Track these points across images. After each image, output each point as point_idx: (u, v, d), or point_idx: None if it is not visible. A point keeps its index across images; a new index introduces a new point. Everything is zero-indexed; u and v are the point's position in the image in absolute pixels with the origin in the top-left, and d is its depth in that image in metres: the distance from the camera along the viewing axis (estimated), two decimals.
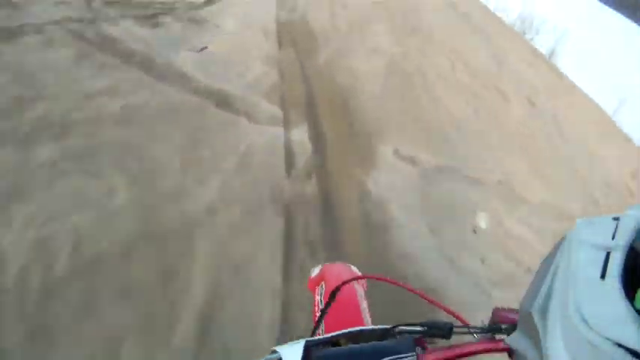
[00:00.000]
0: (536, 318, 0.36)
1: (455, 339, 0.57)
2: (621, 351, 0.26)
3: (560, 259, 0.37)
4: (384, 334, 0.59)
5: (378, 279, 0.79)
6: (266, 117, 3.18)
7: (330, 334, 0.58)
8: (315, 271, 1.10)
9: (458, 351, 0.52)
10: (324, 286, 0.97)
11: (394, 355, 0.51)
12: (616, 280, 0.30)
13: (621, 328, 0.27)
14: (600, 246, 0.34)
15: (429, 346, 0.56)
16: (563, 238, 0.39)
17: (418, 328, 0.57)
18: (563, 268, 0.36)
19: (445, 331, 0.56)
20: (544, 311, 0.35)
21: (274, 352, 0.55)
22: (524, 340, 0.39)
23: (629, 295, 0.29)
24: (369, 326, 0.61)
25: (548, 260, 0.40)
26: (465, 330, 0.56)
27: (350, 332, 0.59)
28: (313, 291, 1.02)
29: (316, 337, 0.57)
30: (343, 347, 0.56)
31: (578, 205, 3.42)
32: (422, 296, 0.70)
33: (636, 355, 0.25)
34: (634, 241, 0.32)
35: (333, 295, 0.79)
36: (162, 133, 2.66)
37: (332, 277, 0.99)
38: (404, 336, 0.57)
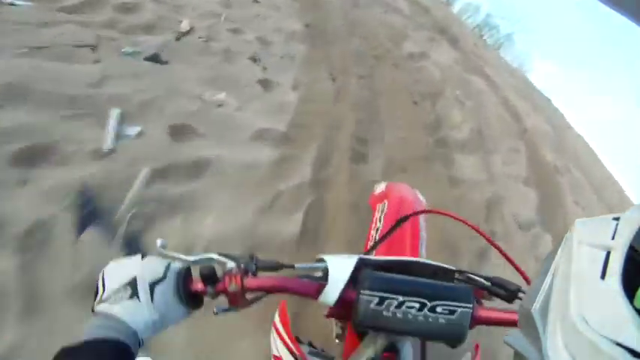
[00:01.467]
0: (537, 318, 0.36)
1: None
2: (621, 351, 0.26)
3: (560, 258, 0.37)
4: (437, 273, 0.55)
5: (445, 214, 0.75)
6: None
7: (384, 258, 0.55)
8: (379, 188, 1.07)
9: None
10: (386, 205, 0.95)
11: (452, 300, 0.48)
12: (616, 280, 0.30)
13: (621, 328, 0.27)
14: (600, 246, 0.34)
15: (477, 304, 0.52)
16: (563, 238, 0.39)
17: (482, 281, 0.53)
18: (563, 267, 0.36)
19: (510, 293, 0.51)
20: (544, 311, 0.36)
21: (321, 260, 0.52)
22: (525, 340, 0.39)
23: (630, 295, 0.29)
24: (428, 260, 0.56)
25: (549, 260, 0.40)
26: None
27: (405, 261, 0.55)
28: (374, 207, 1.00)
29: (370, 257, 0.54)
30: (399, 276, 0.51)
31: None
32: (487, 239, 0.66)
33: (636, 354, 0.25)
34: (634, 240, 0.32)
35: (399, 222, 0.74)
36: None
37: (395, 198, 0.97)
38: (462, 283, 0.53)
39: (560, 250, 0.38)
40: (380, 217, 0.92)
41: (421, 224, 0.92)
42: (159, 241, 0.52)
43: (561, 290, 0.34)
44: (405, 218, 0.74)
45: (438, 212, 0.77)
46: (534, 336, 0.36)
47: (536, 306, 0.37)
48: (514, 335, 0.44)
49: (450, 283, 0.51)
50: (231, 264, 0.51)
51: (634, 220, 0.33)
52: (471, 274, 0.54)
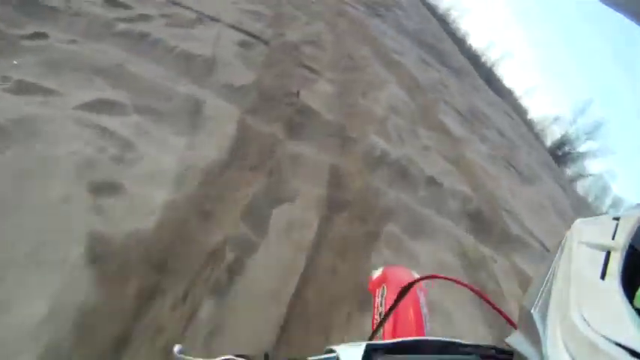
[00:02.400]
0: (537, 318, 0.36)
1: None
2: (621, 351, 0.26)
3: (561, 259, 0.37)
4: (444, 347, 0.59)
5: (445, 279, 0.81)
6: None
7: (391, 341, 0.58)
8: (376, 273, 1.11)
9: None
10: (385, 289, 0.99)
11: None
12: (616, 280, 0.30)
13: (621, 328, 0.27)
14: (600, 246, 0.34)
15: None
16: (563, 238, 0.39)
17: (485, 351, 0.57)
18: (563, 267, 0.36)
19: (510, 355, 0.55)
20: (544, 311, 0.35)
21: (331, 350, 0.56)
22: (525, 340, 0.39)
23: (629, 295, 0.28)
24: (432, 337, 0.61)
25: (549, 260, 0.40)
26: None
27: (411, 341, 0.59)
28: (374, 293, 1.04)
29: (378, 342, 0.57)
30: (406, 356, 0.56)
31: None
32: (484, 298, 0.71)
33: (636, 355, 0.25)
34: (634, 240, 0.32)
35: (399, 297, 0.79)
36: None
37: (394, 280, 1.00)
38: (469, 355, 0.57)
39: (560, 250, 0.38)
40: (381, 301, 0.97)
41: (422, 301, 0.96)
42: (176, 347, 0.57)
43: (561, 290, 0.34)
44: (406, 289, 0.78)
45: (439, 277, 0.83)
46: (534, 336, 0.36)
47: (536, 306, 0.37)
48: (514, 336, 0.44)
49: (455, 356, 0.56)
50: None
51: (634, 219, 0.32)
52: (474, 345, 0.59)
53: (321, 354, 0.56)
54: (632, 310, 0.27)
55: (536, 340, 0.35)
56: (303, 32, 4.38)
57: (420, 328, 0.89)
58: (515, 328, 0.57)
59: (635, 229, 0.32)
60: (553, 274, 0.37)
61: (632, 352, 0.25)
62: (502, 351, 0.56)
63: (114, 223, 1.71)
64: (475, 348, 0.58)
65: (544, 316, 0.35)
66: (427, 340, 0.59)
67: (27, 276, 1.42)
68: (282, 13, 4.64)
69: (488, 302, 0.70)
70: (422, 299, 0.96)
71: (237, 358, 0.56)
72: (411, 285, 0.77)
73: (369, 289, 1.08)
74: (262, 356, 0.57)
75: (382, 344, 0.57)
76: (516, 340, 0.41)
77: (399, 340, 0.58)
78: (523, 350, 0.38)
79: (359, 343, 0.55)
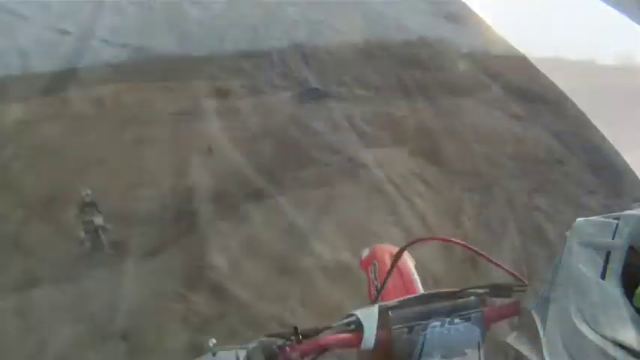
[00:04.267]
0: (536, 318, 0.36)
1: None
2: (621, 351, 0.26)
3: (561, 258, 0.37)
4: (449, 297, 0.65)
5: (438, 239, 0.97)
6: None
7: (402, 298, 0.65)
8: (366, 252, 1.20)
9: None
10: (376, 265, 1.08)
11: (464, 310, 0.59)
12: (616, 280, 0.30)
13: (621, 328, 0.27)
14: (600, 246, 0.34)
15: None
16: (563, 239, 0.39)
17: (482, 290, 0.63)
18: (563, 267, 0.36)
19: (506, 290, 0.62)
20: (544, 311, 0.36)
21: (351, 315, 0.63)
22: (525, 340, 0.39)
23: (629, 295, 0.29)
24: (430, 291, 0.68)
25: (549, 260, 0.40)
26: (523, 288, 0.60)
27: (415, 297, 0.66)
28: (366, 270, 1.12)
29: (387, 302, 0.64)
30: (418, 308, 0.62)
31: None
32: (478, 253, 0.76)
33: (636, 354, 0.25)
34: (633, 240, 0.32)
35: (394, 262, 0.85)
36: None
37: (383, 255, 1.09)
38: (469, 297, 0.63)
39: (561, 250, 0.38)
40: (374, 276, 1.07)
41: (411, 269, 1.05)
42: (212, 341, 0.60)
43: (562, 291, 0.34)
44: (398, 256, 0.85)
45: (431, 239, 0.98)
46: (534, 336, 0.36)
47: (536, 306, 0.37)
48: (515, 336, 0.44)
49: (458, 300, 0.63)
50: (280, 340, 0.61)
51: (634, 220, 0.32)
52: (470, 288, 0.66)
53: (343, 319, 0.62)
54: (632, 310, 0.27)
55: (536, 339, 0.35)
56: None
57: (412, 291, 0.96)
58: (518, 278, 0.63)
59: (634, 229, 0.32)
60: (553, 275, 0.37)
61: (632, 352, 0.25)
62: (496, 287, 0.62)
63: None
64: (471, 292, 0.63)
65: (544, 316, 0.35)
66: (427, 294, 0.66)
67: None
68: None
69: (485, 257, 0.74)
70: (412, 268, 1.04)
71: (268, 339, 0.60)
72: (402, 250, 0.85)
73: (362, 267, 1.16)
74: (293, 330, 0.61)
75: (391, 304, 0.64)
76: (517, 340, 0.42)
77: (404, 298, 0.66)
78: (523, 350, 0.38)
79: (370, 306, 0.62)
